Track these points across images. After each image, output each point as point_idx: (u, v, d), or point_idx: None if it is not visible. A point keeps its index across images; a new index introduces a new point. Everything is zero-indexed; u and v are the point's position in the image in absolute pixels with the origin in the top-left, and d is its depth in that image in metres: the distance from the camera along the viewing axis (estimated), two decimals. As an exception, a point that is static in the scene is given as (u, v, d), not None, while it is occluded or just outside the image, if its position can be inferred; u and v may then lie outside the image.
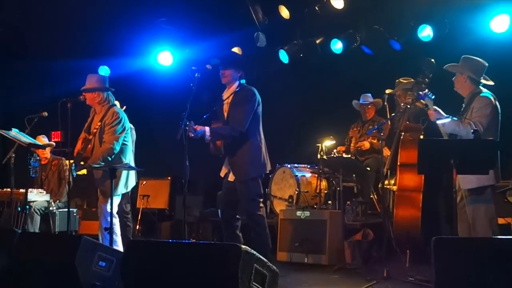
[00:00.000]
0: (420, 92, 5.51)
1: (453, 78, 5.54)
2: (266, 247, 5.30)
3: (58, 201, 7.86)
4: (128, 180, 5.99)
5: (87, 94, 5.93)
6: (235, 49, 8.74)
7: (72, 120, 5.75)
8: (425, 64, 5.78)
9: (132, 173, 6.05)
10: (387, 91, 6.91)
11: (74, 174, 5.83)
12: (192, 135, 5.18)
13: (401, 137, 6.06)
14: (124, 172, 5.90)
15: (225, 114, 5.48)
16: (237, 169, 5.42)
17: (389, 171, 6.56)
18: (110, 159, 5.76)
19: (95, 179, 5.91)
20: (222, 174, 5.57)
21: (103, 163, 5.70)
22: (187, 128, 5.15)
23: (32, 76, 10.20)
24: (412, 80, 6.36)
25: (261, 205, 5.44)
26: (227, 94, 5.51)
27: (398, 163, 5.98)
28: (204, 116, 5.41)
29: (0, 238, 4.88)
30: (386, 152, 6.65)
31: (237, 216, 5.54)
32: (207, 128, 5.31)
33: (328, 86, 8.61)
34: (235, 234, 5.50)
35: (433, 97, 5.48)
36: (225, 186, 5.55)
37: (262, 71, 8.39)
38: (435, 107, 5.45)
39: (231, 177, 5.47)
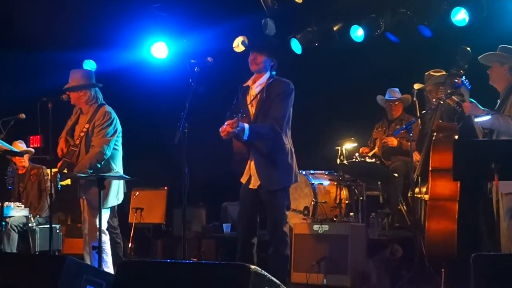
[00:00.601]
0: (456, 80, 5.50)
1: (488, 70, 5.54)
2: (285, 269, 5.26)
3: (38, 216, 7.89)
4: (119, 191, 5.99)
5: (72, 93, 5.93)
6: (240, 39, 8.77)
7: (54, 123, 5.77)
8: (460, 53, 5.77)
9: (122, 183, 6.06)
10: (416, 86, 6.90)
11: (59, 186, 5.80)
12: (235, 131, 5.03)
13: (433, 138, 6.05)
14: (115, 182, 5.90)
15: (252, 109, 5.36)
16: (266, 176, 5.27)
17: (419, 177, 6.55)
18: (99, 165, 5.76)
19: (79, 187, 5.90)
20: (243, 180, 5.43)
21: (91, 171, 5.69)
22: (185, 130, 5.12)
23: (5, 72, 10.22)
24: (444, 72, 6.35)
25: (288, 220, 5.36)
26: (255, 86, 5.38)
27: (430, 168, 5.97)
28: (242, 110, 5.24)
29: (-27, 259, 4.89)
30: (416, 156, 6.64)
31: (255, 232, 5.42)
32: (246, 125, 5.15)
33: (348, 80, 8.61)
34: (252, 254, 5.38)
35: (469, 87, 5.47)
36: (246, 195, 5.39)
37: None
38: (471, 99, 5.45)
39: (253, 184, 5.33)
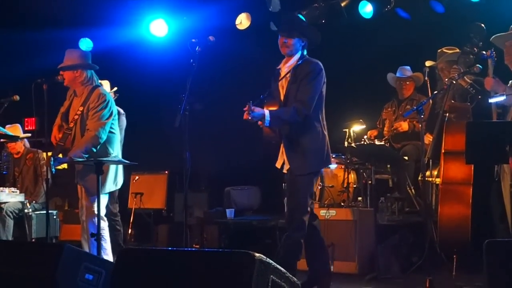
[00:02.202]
0: (484, 52, 5.48)
1: (505, 48, 5.54)
2: (295, 256, 5.28)
3: (34, 201, 7.94)
4: (117, 176, 6.01)
5: (66, 72, 5.91)
6: (243, 15, 8.75)
7: (49, 105, 5.78)
8: (474, 30, 5.77)
9: (121, 168, 6.08)
10: (427, 63, 6.89)
11: (53, 170, 5.83)
12: (250, 117, 5.09)
13: (446, 120, 6.05)
14: (113, 167, 5.93)
15: (282, 92, 5.40)
16: (295, 160, 5.32)
17: (430, 160, 6.56)
18: (95, 150, 5.76)
19: (76, 173, 5.94)
20: (278, 165, 5.48)
21: (86, 155, 5.72)
22: (186, 112, 5.14)
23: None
24: (458, 50, 6.35)
25: (309, 209, 5.34)
26: (285, 68, 5.42)
27: (442, 151, 5.98)
28: (261, 96, 5.35)
29: (-32, 247, 4.93)
30: (428, 138, 6.65)
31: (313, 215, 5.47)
32: (266, 111, 5.21)
33: (356, 59, 8.58)
34: (317, 235, 5.46)
35: (494, 62, 5.48)
36: (287, 181, 5.50)
37: (274, 41, 8.39)
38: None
39: (286, 169, 5.40)
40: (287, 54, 5.40)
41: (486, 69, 5.65)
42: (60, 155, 5.94)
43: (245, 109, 5.06)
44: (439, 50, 6.77)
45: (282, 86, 5.40)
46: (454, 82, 5.94)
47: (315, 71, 5.30)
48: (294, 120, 5.24)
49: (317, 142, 5.31)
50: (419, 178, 7.02)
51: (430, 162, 6.63)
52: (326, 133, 5.40)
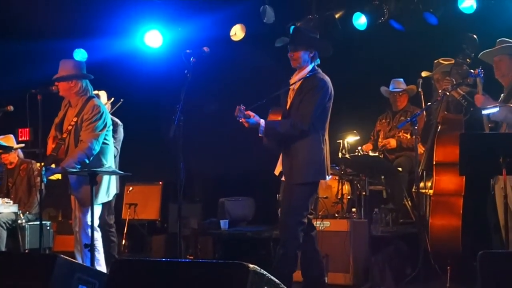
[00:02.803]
0: (472, 71, 5.51)
1: (493, 63, 5.56)
2: (290, 269, 5.29)
3: (28, 212, 7.90)
4: (110, 187, 6.00)
5: (61, 83, 5.91)
6: (237, 27, 8.77)
7: (43, 116, 5.76)
8: (467, 41, 5.79)
9: (114, 179, 6.06)
10: (423, 73, 6.90)
11: (45, 179, 5.82)
12: (242, 120, 5.16)
13: (438, 131, 6.07)
14: (106, 177, 5.92)
15: (289, 102, 5.46)
16: (291, 169, 5.36)
17: (424, 171, 6.57)
18: (88, 161, 5.76)
19: (69, 184, 5.92)
20: (276, 172, 5.53)
21: (79, 166, 5.70)
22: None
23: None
24: (454, 61, 6.37)
25: (304, 220, 5.35)
26: (295, 79, 5.48)
27: (434, 162, 5.98)
28: (258, 102, 5.35)
29: (-40, 258, 4.90)
30: (421, 149, 6.66)
31: (310, 224, 5.50)
32: (262, 121, 5.26)
33: (350, 70, 8.59)
34: (312, 247, 5.48)
35: (483, 79, 5.50)
36: (283, 189, 5.52)
37: (270, 53, 8.42)
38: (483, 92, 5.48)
39: (284, 176, 5.46)
40: (297, 67, 5.48)
41: (475, 86, 5.70)
42: (53, 165, 5.92)
43: (236, 113, 5.10)
44: (435, 61, 6.78)
45: (290, 97, 5.47)
46: (448, 93, 5.96)
47: (319, 86, 5.34)
48: (289, 134, 5.29)
49: (315, 155, 5.33)
50: (413, 190, 7.01)
51: (424, 174, 6.64)
52: (326, 146, 5.42)
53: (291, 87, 5.47)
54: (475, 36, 5.83)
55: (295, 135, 5.29)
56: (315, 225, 5.70)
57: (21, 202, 7.91)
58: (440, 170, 5.93)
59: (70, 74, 5.92)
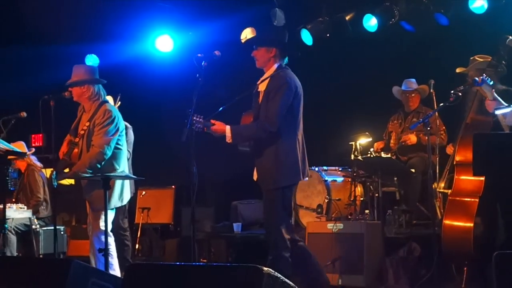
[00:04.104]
0: (476, 78, 5.47)
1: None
2: (285, 273, 5.26)
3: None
4: (123, 192, 5.95)
5: (74, 88, 5.89)
6: (248, 30, 8.76)
7: (56, 121, 5.78)
8: (502, 43, 5.69)
9: (128, 184, 6.04)
10: (458, 70, 6.77)
11: (55, 183, 5.81)
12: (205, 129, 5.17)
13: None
14: (119, 182, 5.90)
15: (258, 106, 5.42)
16: (264, 174, 5.36)
17: (437, 172, 6.53)
18: (99, 166, 5.72)
19: (82, 188, 5.91)
20: (255, 177, 5.50)
21: (90, 171, 5.67)
22: (199, 125, 5.14)
23: (5, 68, 10.24)
24: (490, 59, 6.30)
25: (289, 221, 5.36)
26: (261, 80, 5.44)
27: (454, 162, 5.93)
28: (220, 109, 5.34)
29: (-25, 264, 4.92)
30: (451, 150, 6.60)
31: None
32: (227, 128, 5.27)
33: (361, 72, 8.59)
34: (301, 247, 5.46)
35: (491, 83, 5.43)
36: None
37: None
38: (495, 95, 5.42)
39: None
40: (260, 67, 5.45)
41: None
42: (67, 170, 5.92)
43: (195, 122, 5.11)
44: (471, 58, 6.68)
45: (260, 99, 5.41)
46: (460, 94, 5.89)
47: (280, 86, 5.27)
48: (257, 137, 5.29)
49: (286, 157, 5.27)
50: (438, 189, 6.92)
51: (437, 174, 6.60)
52: (300, 147, 5.34)
53: (260, 88, 5.41)
54: (510, 37, 5.74)
55: (264, 138, 5.25)
56: (325, 228, 5.68)
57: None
58: (461, 170, 5.87)
59: (82, 79, 5.91)
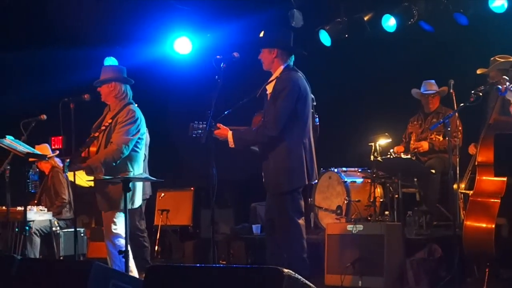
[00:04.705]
0: (500, 87, 5.43)
1: None
2: (301, 274, 5.25)
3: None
4: (135, 194, 5.84)
5: (102, 88, 5.88)
6: (261, 33, 8.76)
7: (76, 124, 5.79)
8: None
9: (140, 187, 5.93)
10: (479, 71, 6.72)
11: (66, 171, 5.77)
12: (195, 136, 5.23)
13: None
14: (130, 184, 5.80)
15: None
16: (268, 178, 5.37)
17: (458, 173, 6.49)
18: (114, 164, 5.66)
19: (96, 185, 5.86)
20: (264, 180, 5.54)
21: (104, 167, 5.62)
22: (212, 129, 5.17)
23: (26, 71, 10.31)
24: (511, 59, 6.26)
25: (300, 221, 5.34)
26: (268, 82, 5.43)
27: (476, 163, 5.89)
28: (224, 113, 5.35)
29: (-3, 266, 4.96)
30: (473, 150, 6.57)
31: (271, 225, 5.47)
32: (229, 133, 5.29)
33: (380, 73, 8.57)
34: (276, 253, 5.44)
35: None
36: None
37: (298, 57, 8.39)
38: None
39: None
40: (267, 70, 5.45)
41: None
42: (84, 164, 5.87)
43: (190, 131, 5.24)
44: (491, 58, 6.64)
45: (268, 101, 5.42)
46: (489, 94, 5.84)
47: (282, 89, 5.25)
48: (258, 141, 5.31)
49: (290, 161, 5.25)
50: (460, 190, 6.87)
51: (457, 175, 6.56)
52: (304, 152, 5.30)
53: (268, 90, 5.40)
54: None
55: (266, 142, 5.25)
56: (345, 229, 5.64)
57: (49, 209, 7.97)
58: (482, 171, 5.83)
59: (109, 77, 5.89)
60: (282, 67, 5.37)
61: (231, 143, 5.32)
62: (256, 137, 5.29)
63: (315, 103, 5.88)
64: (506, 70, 5.96)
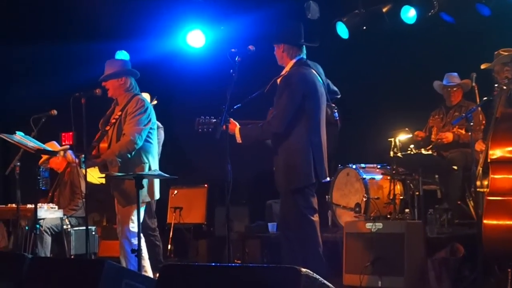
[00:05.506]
0: None
1: None
2: (318, 271, 5.24)
3: (70, 215, 7.91)
4: (154, 185, 5.91)
5: (110, 82, 5.91)
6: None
7: (87, 119, 5.80)
8: None
9: (157, 181, 6.02)
10: (483, 66, 6.72)
11: (83, 166, 5.80)
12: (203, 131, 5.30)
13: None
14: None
15: None
16: (277, 175, 5.41)
17: (482, 169, 6.44)
18: (129, 155, 5.71)
19: (110, 182, 5.91)
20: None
21: (120, 160, 5.67)
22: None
23: (36, 65, 10.36)
24: None
25: (313, 218, 5.36)
26: (279, 76, 5.47)
27: (489, 160, 5.85)
28: (234, 107, 5.34)
29: (8, 264, 4.97)
30: (481, 145, 6.52)
31: None
32: (236, 129, 5.33)
33: (400, 66, 8.53)
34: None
35: None
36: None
37: (315, 49, 8.37)
38: None
39: None
40: (282, 65, 5.49)
41: None
42: (97, 160, 5.89)
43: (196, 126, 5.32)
44: (495, 52, 6.61)
45: None
46: (505, 87, 5.81)
47: (286, 85, 5.28)
48: (263, 138, 5.39)
49: (297, 158, 5.27)
50: (472, 189, 6.84)
51: (480, 172, 6.50)
52: (311, 149, 5.30)
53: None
54: None
55: (272, 139, 5.30)
56: (364, 228, 5.62)
57: (64, 207, 7.98)
58: (496, 168, 5.79)
59: (120, 71, 5.92)
60: (292, 62, 5.40)
61: (238, 139, 5.37)
62: (261, 134, 5.35)
63: (339, 96, 5.87)
64: (508, 63, 5.93)
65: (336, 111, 5.65)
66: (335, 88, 5.81)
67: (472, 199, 7.11)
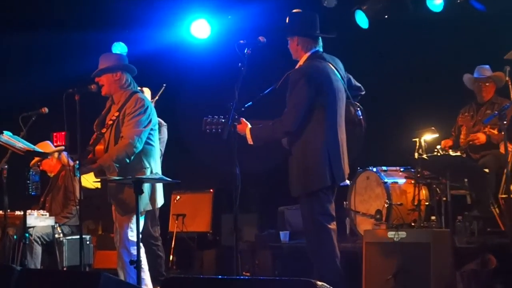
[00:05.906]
0: None
1: None
2: (330, 280, 5.27)
3: (62, 223, 7.94)
4: (156, 192, 5.93)
5: (104, 77, 5.91)
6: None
7: (81, 118, 5.81)
8: None
9: (160, 184, 6.04)
10: (507, 56, 6.75)
11: (78, 174, 5.85)
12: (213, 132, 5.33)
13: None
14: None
15: None
16: (290, 178, 5.44)
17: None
18: (128, 160, 5.71)
19: (108, 190, 5.92)
20: None
21: (117, 165, 5.67)
22: (235, 123, 5.19)
23: (25, 57, 10.38)
24: None
25: (330, 226, 5.37)
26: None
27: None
28: (246, 105, 5.38)
29: (-5, 277, 5.01)
30: (509, 147, 6.53)
31: None
32: (247, 129, 5.36)
33: (425, 59, 8.53)
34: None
35: None
36: None
37: (332, 41, 8.38)
38: None
39: None
40: (297, 59, 5.52)
41: None
42: (94, 166, 5.92)
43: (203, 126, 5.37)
44: None
45: None
46: None
47: (295, 81, 5.30)
48: (275, 138, 5.42)
49: (310, 160, 5.29)
50: (500, 195, 6.85)
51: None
52: (328, 149, 5.31)
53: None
54: None
55: (287, 138, 5.33)
56: (386, 236, 5.62)
57: (56, 214, 7.99)
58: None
59: (115, 65, 5.93)
60: (307, 55, 5.43)
61: (250, 140, 5.40)
62: (272, 134, 5.38)
63: (363, 92, 5.88)
64: None
65: (359, 109, 5.66)
66: (358, 84, 5.82)
67: (497, 206, 7.12)
